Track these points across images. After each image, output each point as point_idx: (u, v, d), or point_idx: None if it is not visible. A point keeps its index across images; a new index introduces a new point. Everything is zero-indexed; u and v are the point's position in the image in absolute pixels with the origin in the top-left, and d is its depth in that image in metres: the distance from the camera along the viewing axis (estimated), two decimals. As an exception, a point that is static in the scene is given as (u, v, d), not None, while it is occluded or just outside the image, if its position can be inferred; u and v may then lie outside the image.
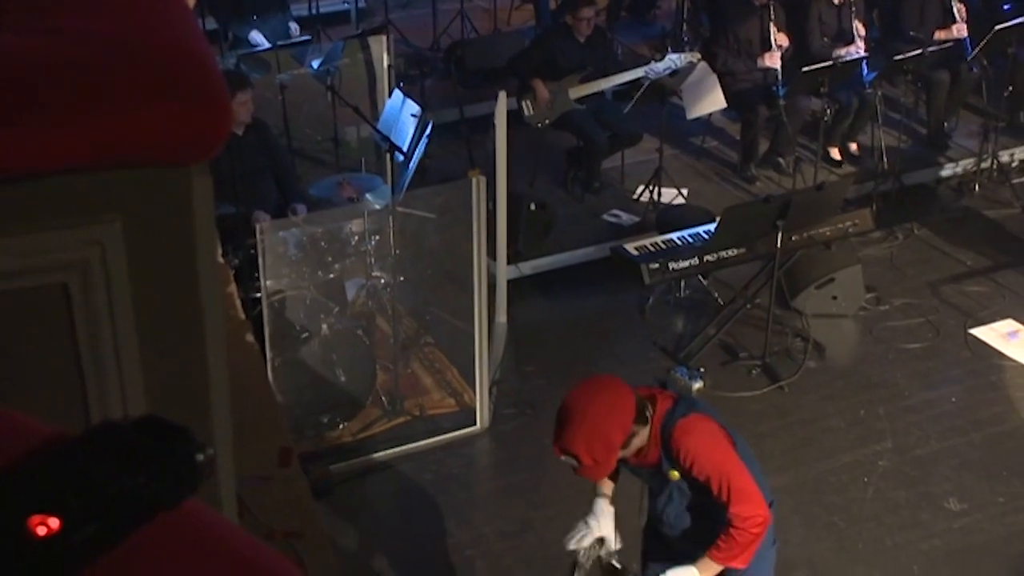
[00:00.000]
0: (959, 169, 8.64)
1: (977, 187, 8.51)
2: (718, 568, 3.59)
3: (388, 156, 6.33)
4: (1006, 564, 5.22)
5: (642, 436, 3.54)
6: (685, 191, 8.12)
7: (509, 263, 7.11)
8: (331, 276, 6.22)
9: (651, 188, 7.97)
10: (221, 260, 2.35)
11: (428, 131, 6.96)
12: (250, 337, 2.21)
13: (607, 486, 3.90)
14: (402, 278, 6.50)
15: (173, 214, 1.40)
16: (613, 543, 3.81)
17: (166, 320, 1.39)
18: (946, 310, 7.18)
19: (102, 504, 0.87)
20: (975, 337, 6.90)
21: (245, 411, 2.06)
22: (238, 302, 2.31)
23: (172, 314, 1.39)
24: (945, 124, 8.89)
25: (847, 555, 5.34)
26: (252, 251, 5.79)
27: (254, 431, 2.14)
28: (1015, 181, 8.54)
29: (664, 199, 7.96)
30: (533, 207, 7.48)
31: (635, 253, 6.66)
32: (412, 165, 6.97)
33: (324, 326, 5.94)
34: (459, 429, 6.19)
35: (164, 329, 1.39)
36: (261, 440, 2.21)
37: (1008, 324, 6.99)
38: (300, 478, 2.42)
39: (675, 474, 3.60)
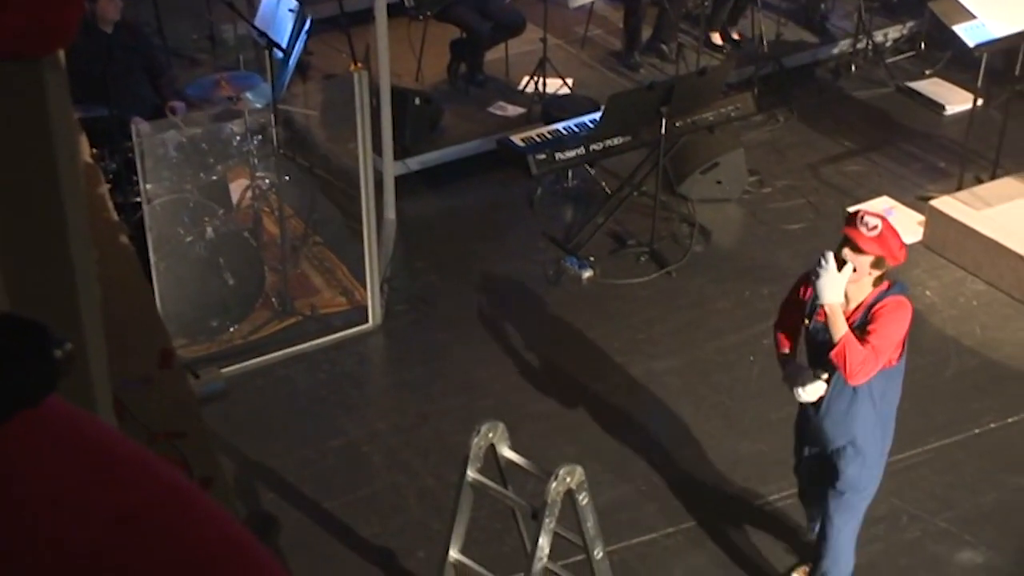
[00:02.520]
0: (836, 50, 8.77)
1: (853, 68, 8.66)
2: (839, 331, 3.98)
3: (267, 53, 6.16)
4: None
5: (868, 284, 4.04)
6: (570, 81, 8.10)
7: (396, 159, 7.04)
8: (214, 178, 6.10)
9: (536, 79, 7.93)
10: (90, 160, 2.28)
11: (307, 26, 6.80)
12: (125, 239, 2.16)
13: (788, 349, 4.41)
14: (287, 177, 6.40)
15: (26, 109, 1.35)
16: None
17: (26, 219, 1.35)
18: (825, 190, 7.35)
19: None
20: (854, 216, 7.08)
21: (122, 313, 2.03)
22: (110, 203, 2.25)
23: (32, 213, 1.35)
24: (822, 5, 8.99)
25: (734, 431, 5.51)
26: (130, 154, 5.64)
27: (132, 333, 2.11)
28: (889, 61, 8.71)
29: (549, 89, 7.94)
30: (418, 101, 7.40)
31: (521, 144, 6.65)
32: (292, 62, 6.81)
33: (209, 229, 5.84)
34: (351, 327, 6.18)
35: (24, 228, 1.35)
36: (140, 342, 2.18)
37: (884, 201, 7.19)
38: (182, 379, 2.41)
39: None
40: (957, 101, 8.11)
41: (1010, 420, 5.55)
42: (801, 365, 4.29)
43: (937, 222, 6.67)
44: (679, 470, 5.30)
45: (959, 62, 8.38)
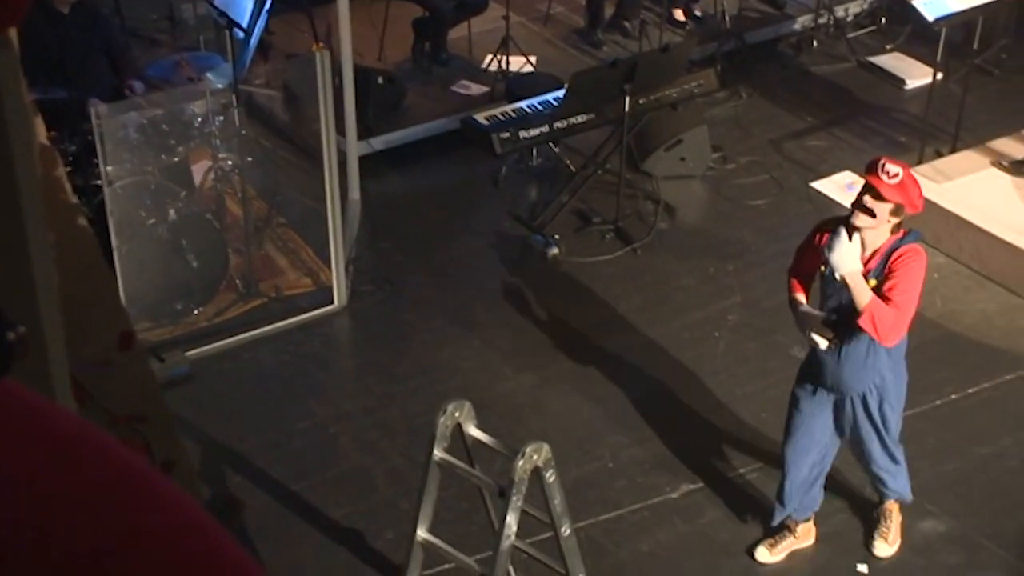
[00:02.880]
0: (797, 26, 8.79)
1: (815, 43, 8.70)
2: (864, 297, 4.07)
3: (227, 33, 6.11)
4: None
5: (886, 231, 4.10)
6: (533, 59, 8.08)
7: (359, 139, 7.01)
8: (175, 160, 6.05)
9: (499, 57, 7.91)
10: (46, 143, 2.25)
11: (268, 5, 6.73)
12: (83, 221, 2.14)
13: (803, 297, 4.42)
14: (250, 159, 6.35)
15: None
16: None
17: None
18: (788, 165, 7.39)
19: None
20: (816, 190, 7.13)
21: (81, 296, 2.01)
22: (67, 186, 2.23)
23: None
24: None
25: (700, 407, 5.55)
26: (89, 137, 5.58)
27: (92, 316, 2.09)
28: (850, 36, 8.75)
29: (512, 68, 7.92)
30: (381, 81, 7.37)
31: (485, 123, 6.64)
32: (253, 42, 6.74)
33: (171, 211, 5.79)
34: (316, 308, 6.16)
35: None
36: (100, 325, 2.16)
37: (846, 176, 7.24)
38: (143, 362, 2.39)
39: (872, 283, 4.11)
40: (917, 75, 8.17)
41: (970, 391, 5.61)
42: (811, 312, 4.32)
43: (899, 196, 6.71)
44: (646, 447, 5.33)
45: (919, 36, 8.43)
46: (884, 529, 4.77)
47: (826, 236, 4.22)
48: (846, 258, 4.05)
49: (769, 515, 4.83)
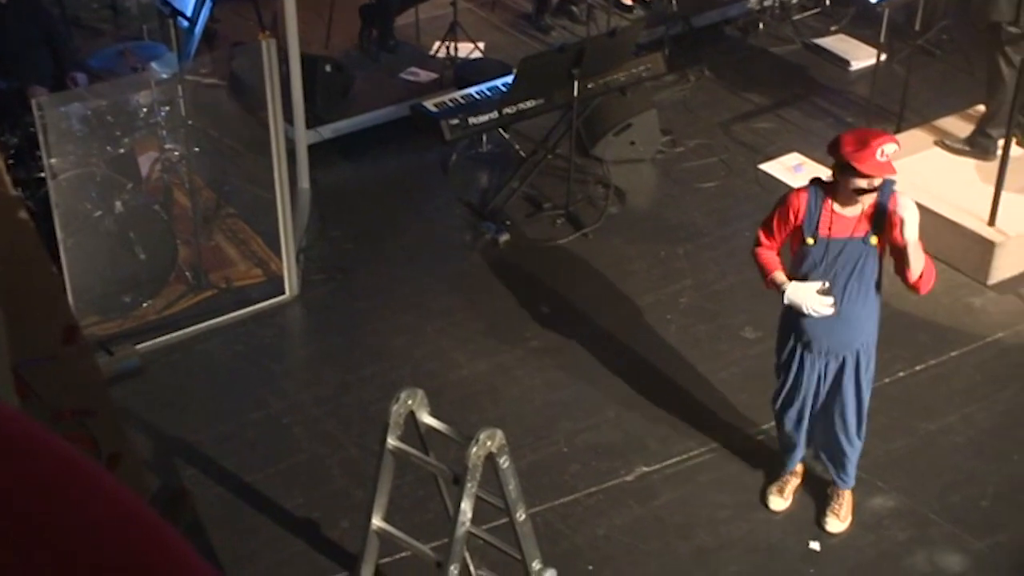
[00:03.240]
0: (744, 9, 8.84)
1: (761, 26, 8.76)
2: (921, 258, 4.21)
3: (171, 22, 6.04)
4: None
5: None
6: (481, 45, 8.07)
7: (308, 127, 6.97)
8: (121, 151, 5.99)
9: (447, 43, 7.89)
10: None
11: (212, -7, 6.68)
12: (24, 214, 2.11)
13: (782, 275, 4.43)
14: (197, 149, 6.29)
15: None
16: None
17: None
18: (737, 148, 7.44)
19: None
20: (764, 172, 7.19)
21: (22, 290, 1.98)
22: (7, 178, 2.20)
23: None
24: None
25: (653, 390, 5.58)
26: (31, 128, 5.50)
27: (34, 310, 2.07)
28: (796, 18, 8.82)
29: (461, 54, 7.90)
30: (329, 69, 7.32)
31: (434, 110, 6.63)
32: (198, 31, 6.68)
33: (118, 203, 5.73)
34: (268, 299, 6.12)
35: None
36: (43, 319, 2.13)
37: (794, 157, 7.30)
38: (88, 356, 2.36)
39: (874, 240, 4.23)
40: (861, 57, 8.25)
41: (918, 368, 5.69)
42: (801, 285, 4.34)
43: (845, 177, 6.77)
44: (600, 431, 5.35)
45: (862, 18, 8.52)
46: (836, 506, 4.84)
47: (802, 209, 4.28)
48: (916, 223, 4.13)
49: (738, 489, 4.91)
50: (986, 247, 6.15)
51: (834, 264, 4.29)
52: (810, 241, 4.30)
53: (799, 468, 4.96)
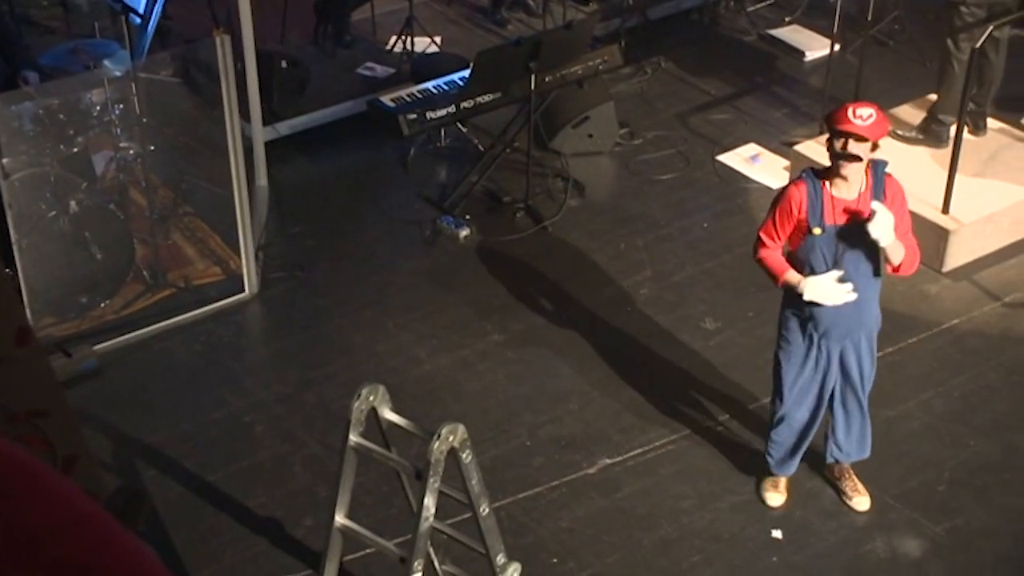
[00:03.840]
0: (700, 1, 8.88)
1: (717, 17, 8.80)
2: (901, 251, 4.32)
3: (123, 19, 5.99)
4: (756, 373, 5.59)
5: (862, 171, 4.26)
6: (438, 39, 8.06)
7: (265, 124, 6.93)
8: (75, 150, 5.93)
9: (403, 38, 7.87)
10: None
11: (164, -10, 6.62)
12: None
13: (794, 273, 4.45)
14: (153, 147, 6.25)
15: None
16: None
17: None
18: (694, 140, 7.47)
19: None
20: (722, 163, 7.23)
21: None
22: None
23: None
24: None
25: (615, 382, 5.60)
26: (-18, 129, 5.44)
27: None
28: (751, 9, 8.87)
29: (417, 48, 7.89)
30: (285, 65, 7.28)
31: (392, 105, 6.61)
32: (151, 27, 6.63)
33: (72, 203, 5.67)
34: (227, 297, 6.09)
35: None
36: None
37: (751, 148, 7.35)
38: (42, 357, 2.34)
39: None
40: (815, 47, 8.31)
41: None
42: (817, 278, 4.35)
43: (802, 165, 6.81)
44: (562, 424, 5.37)
45: (816, 9, 8.59)
46: (853, 483, 4.91)
47: (804, 202, 4.30)
48: (887, 229, 4.19)
49: (700, 480, 4.95)
50: (940, 235, 6.22)
51: (845, 250, 4.33)
52: (817, 231, 4.31)
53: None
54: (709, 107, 7.81)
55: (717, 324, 5.94)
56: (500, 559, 4.18)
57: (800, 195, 4.32)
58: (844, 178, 4.25)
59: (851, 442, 4.79)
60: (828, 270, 4.35)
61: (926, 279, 6.23)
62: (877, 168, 4.31)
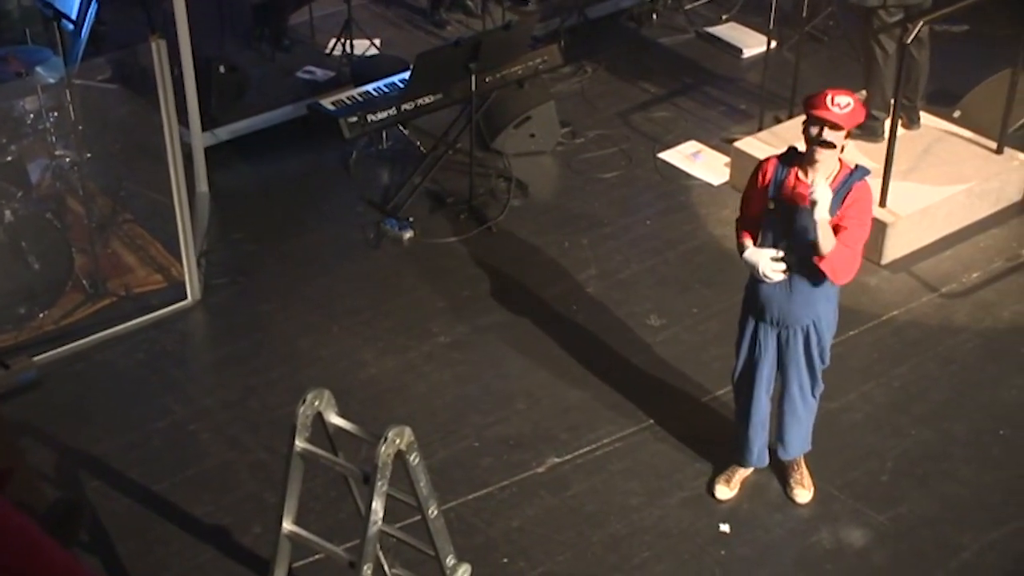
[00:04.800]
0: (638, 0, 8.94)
1: (654, 16, 8.86)
2: (831, 240, 4.27)
3: (56, 25, 5.89)
4: (702, 368, 5.64)
5: (837, 153, 4.28)
6: (377, 41, 8.04)
7: (204, 130, 6.87)
8: (9, 159, 5.86)
9: (343, 40, 7.83)
10: None
11: (97, -5, 6.53)
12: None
13: (750, 241, 4.50)
14: (89, 155, 6.16)
15: None
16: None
17: None
18: (636, 138, 7.52)
19: None
20: (663, 161, 7.28)
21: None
22: None
23: None
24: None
25: (562, 380, 5.62)
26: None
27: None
28: (688, 7, 8.94)
29: (357, 51, 7.86)
30: (223, 69, 7.22)
31: (332, 108, 6.59)
32: (84, 33, 6.53)
33: (7, 212, 5.59)
34: (169, 304, 6.03)
35: None
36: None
37: (691, 145, 7.40)
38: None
39: (829, 218, 4.25)
40: (753, 44, 8.40)
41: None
42: (758, 250, 4.41)
43: (742, 162, 6.90)
44: (510, 424, 5.38)
45: (752, 6, 8.69)
46: (799, 476, 4.96)
47: (770, 174, 4.38)
48: (823, 204, 4.19)
49: (649, 476, 4.97)
50: (878, 227, 6.30)
51: (789, 231, 4.36)
52: (771, 205, 4.39)
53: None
54: (649, 105, 7.86)
55: (662, 321, 5.97)
56: (450, 560, 4.18)
57: (769, 168, 4.44)
58: (816, 163, 4.30)
59: (787, 437, 4.84)
60: (773, 247, 4.42)
61: (865, 272, 6.30)
62: (856, 172, 4.36)
